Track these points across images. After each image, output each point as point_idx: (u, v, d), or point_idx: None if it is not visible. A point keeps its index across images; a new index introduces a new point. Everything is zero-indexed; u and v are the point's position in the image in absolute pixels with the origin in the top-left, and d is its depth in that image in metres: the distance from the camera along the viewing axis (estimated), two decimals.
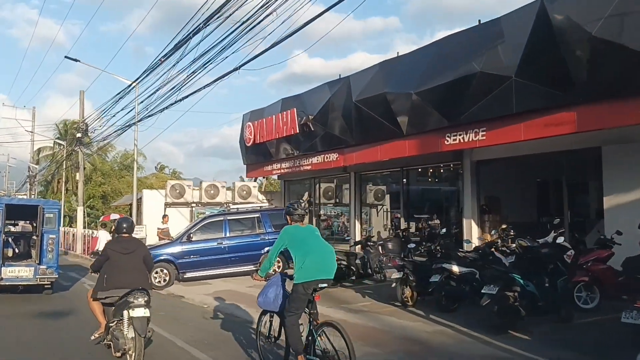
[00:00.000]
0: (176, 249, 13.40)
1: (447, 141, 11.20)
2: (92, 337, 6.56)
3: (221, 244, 13.73)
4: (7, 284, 11.22)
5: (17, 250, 13.07)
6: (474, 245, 10.38)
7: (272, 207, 15.41)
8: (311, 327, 5.35)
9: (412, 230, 14.50)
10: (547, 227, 9.13)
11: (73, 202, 40.71)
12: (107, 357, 6.34)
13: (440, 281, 8.73)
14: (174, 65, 14.07)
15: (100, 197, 41.66)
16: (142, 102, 18.18)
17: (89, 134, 23.19)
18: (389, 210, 17.11)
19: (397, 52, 13.43)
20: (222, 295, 11.05)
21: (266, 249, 13.38)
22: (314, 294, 5.40)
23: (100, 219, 24.70)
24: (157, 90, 16.48)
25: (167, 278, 12.87)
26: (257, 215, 14.16)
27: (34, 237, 12.66)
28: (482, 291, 7.50)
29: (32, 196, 40.59)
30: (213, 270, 13.60)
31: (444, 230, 10.97)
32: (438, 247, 9.68)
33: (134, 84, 18.17)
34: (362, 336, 7.05)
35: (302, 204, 5.82)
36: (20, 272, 11.38)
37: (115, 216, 18.39)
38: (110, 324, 6.24)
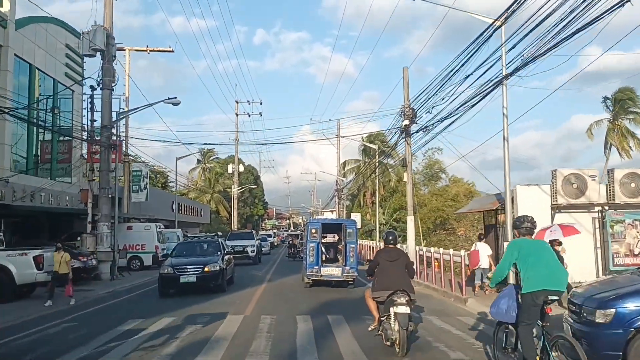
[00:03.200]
0: None
1: None
2: (370, 328, 7.92)
3: None
4: (324, 279, 15.49)
5: (328, 256, 17.45)
6: None
7: None
8: (545, 341, 5.33)
9: None
10: None
11: (380, 215, 37.78)
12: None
13: None
14: None
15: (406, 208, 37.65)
16: (511, 48, 11.81)
17: (416, 122, 17.87)
18: None
19: None
20: None
21: None
22: (545, 306, 5.39)
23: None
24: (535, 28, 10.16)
25: None
26: None
27: (339, 247, 17.12)
28: None
29: (341, 211, 39.98)
30: None
31: None
32: None
33: (498, 23, 11.87)
34: None
35: (529, 218, 5.78)
36: (333, 271, 15.63)
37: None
38: (382, 318, 7.57)
